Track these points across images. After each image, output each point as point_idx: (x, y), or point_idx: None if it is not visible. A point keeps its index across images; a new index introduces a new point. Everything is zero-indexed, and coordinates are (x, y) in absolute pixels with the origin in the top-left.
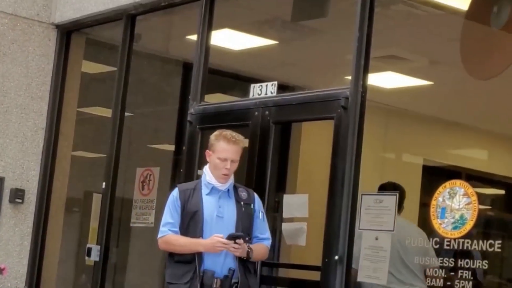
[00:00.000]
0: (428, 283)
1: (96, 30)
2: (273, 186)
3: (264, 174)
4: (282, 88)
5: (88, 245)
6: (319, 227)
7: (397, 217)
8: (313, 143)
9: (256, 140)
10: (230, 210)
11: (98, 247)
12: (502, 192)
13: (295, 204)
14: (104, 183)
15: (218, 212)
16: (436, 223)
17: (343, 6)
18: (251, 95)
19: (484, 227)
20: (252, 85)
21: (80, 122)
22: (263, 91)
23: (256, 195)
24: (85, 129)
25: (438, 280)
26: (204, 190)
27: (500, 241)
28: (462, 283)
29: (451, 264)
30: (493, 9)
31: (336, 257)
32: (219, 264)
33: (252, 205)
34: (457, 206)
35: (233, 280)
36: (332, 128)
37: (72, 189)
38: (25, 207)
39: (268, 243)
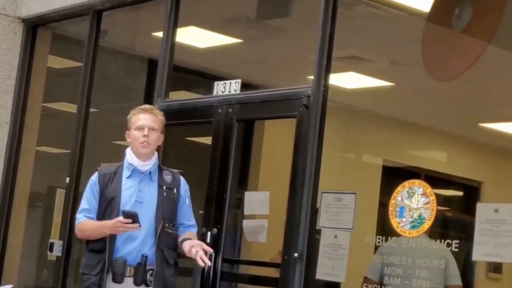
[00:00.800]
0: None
1: (63, 25)
2: (235, 183)
3: (226, 171)
4: (245, 86)
5: (50, 240)
6: (280, 224)
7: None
8: (275, 141)
9: (219, 137)
10: (151, 195)
11: (61, 242)
12: (460, 193)
13: (256, 201)
14: (68, 179)
15: (138, 196)
16: (394, 222)
17: (307, 6)
18: (214, 93)
19: (442, 227)
20: (216, 83)
21: (45, 117)
22: (227, 88)
23: (182, 179)
24: (50, 124)
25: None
26: (125, 173)
27: (457, 241)
28: (420, 281)
29: (409, 263)
30: (455, 11)
31: (296, 254)
32: (134, 252)
33: (176, 189)
34: (415, 205)
35: (148, 267)
36: (294, 126)
37: (36, 184)
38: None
39: (195, 230)
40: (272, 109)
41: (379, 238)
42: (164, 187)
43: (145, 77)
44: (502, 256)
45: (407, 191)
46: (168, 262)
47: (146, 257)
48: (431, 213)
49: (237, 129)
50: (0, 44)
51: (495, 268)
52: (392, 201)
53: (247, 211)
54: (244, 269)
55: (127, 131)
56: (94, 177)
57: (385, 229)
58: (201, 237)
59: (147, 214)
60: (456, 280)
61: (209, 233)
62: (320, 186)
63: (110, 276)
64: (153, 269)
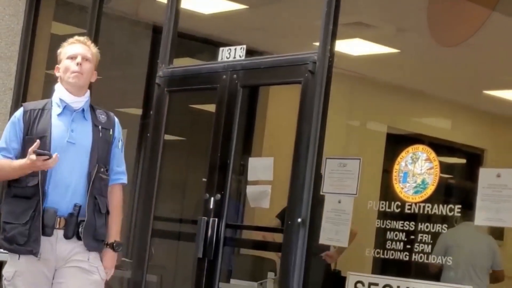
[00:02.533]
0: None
1: None
2: (238, 149)
3: (230, 137)
4: (250, 53)
5: None
6: (284, 190)
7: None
8: (279, 107)
9: (223, 104)
10: (84, 135)
11: None
12: (464, 161)
13: (260, 167)
14: None
15: (70, 137)
16: (398, 187)
17: None
18: (219, 59)
19: (445, 193)
20: (220, 49)
21: (48, 84)
22: (232, 54)
23: (117, 120)
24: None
25: (398, 243)
26: (55, 110)
27: (459, 207)
28: (422, 246)
29: (412, 228)
30: None
31: (299, 220)
32: (65, 201)
33: (111, 131)
34: (419, 170)
35: (80, 219)
36: (299, 92)
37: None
38: None
39: (124, 179)
40: (277, 75)
41: (382, 204)
42: (100, 127)
43: (149, 44)
44: (504, 220)
45: (411, 157)
46: (100, 211)
47: (80, 207)
48: (435, 179)
49: (241, 95)
50: (4, 10)
51: (498, 234)
52: (396, 167)
53: (250, 177)
54: (247, 235)
55: (56, 66)
56: (18, 114)
57: (388, 194)
58: (204, 203)
59: (80, 157)
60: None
61: (212, 198)
62: (324, 152)
63: (39, 228)
64: (83, 220)
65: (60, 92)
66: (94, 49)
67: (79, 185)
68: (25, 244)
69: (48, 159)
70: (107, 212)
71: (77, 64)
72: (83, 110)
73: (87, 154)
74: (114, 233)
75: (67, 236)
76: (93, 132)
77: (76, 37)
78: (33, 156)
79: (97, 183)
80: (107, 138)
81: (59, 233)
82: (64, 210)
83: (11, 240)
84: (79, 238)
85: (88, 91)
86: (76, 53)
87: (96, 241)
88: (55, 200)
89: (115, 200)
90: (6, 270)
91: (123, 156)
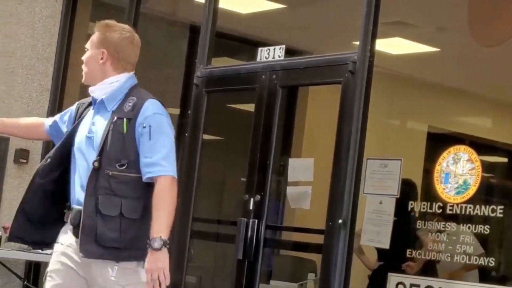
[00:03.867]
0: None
1: None
2: (278, 150)
3: (269, 138)
4: (289, 52)
5: None
6: (324, 191)
7: None
8: (319, 108)
9: (262, 104)
10: (101, 128)
11: None
12: (505, 160)
13: (300, 167)
14: None
15: (89, 131)
16: (439, 188)
17: None
18: (258, 59)
19: (487, 193)
20: (259, 49)
21: (85, 85)
22: (271, 54)
23: (147, 105)
24: None
25: (439, 244)
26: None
27: (502, 207)
28: (464, 247)
29: (453, 228)
30: None
31: (340, 221)
32: (76, 199)
33: (126, 119)
34: (460, 171)
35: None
36: (339, 92)
37: None
38: (30, 167)
39: (154, 171)
40: (317, 75)
41: (423, 204)
42: (115, 118)
43: (187, 44)
44: None
45: (453, 157)
46: (101, 212)
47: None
48: (476, 179)
49: (280, 96)
50: (41, 12)
51: None
52: (437, 167)
53: (291, 177)
54: (287, 236)
55: None
56: (74, 105)
57: (429, 195)
58: (244, 204)
59: (94, 152)
60: None
61: (252, 199)
62: (365, 153)
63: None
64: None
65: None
66: (96, 28)
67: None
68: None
69: None
70: (122, 215)
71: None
72: (102, 100)
73: (97, 148)
74: (154, 230)
75: (76, 235)
76: (106, 125)
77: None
78: None
79: (103, 181)
80: (120, 129)
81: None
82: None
83: None
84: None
85: (124, 76)
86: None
87: (100, 247)
88: (73, 198)
89: (153, 197)
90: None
91: (156, 144)
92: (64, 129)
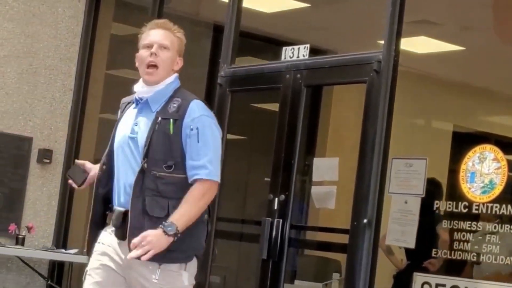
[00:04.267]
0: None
1: None
2: (302, 149)
3: (294, 137)
4: (313, 52)
5: None
6: (349, 190)
7: None
8: (344, 107)
9: (286, 103)
10: (145, 129)
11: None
12: None
13: (325, 167)
14: None
15: (132, 131)
16: (465, 187)
17: None
18: (282, 58)
19: None
20: (284, 48)
21: (108, 85)
22: (295, 54)
23: (192, 106)
24: (113, 91)
25: (465, 244)
26: (134, 105)
27: None
28: (490, 247)
29: (479, 228)
30: None
31: (365, 221)
32: (121, 200)
33: (173, 120)
34: (486, 170)
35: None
36: (364, 92)
37: (100, 151)
38: (53, 167)
39: (202, 174)
40: (341, 75)
41: (449, 204)
42: (160, 118)
43: (210, 44)
44: None
45: (478, 156)
46: (149, 213)
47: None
48: (502, 178)
49: (305, 95)
50: (64, 12)
51: None
52: (463, 166)
53: (315, 177)
54: (311, 236)
55: (136, 54)
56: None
57: (455, 194)
58: (269, 203)
59: (138, 153)
60: None
61: (276, 199)
62: (390, 152)
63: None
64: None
65: (138, 82)
66: (178, 33)
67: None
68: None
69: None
70: (168, 215)
71: (151, 54)
72: (147, 100)
73: (142, 149)
74: (175, 217)
75: (118, 237)
76: (151, 125)
77: (156, 21)
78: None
79: (150, 184)
80: (166, 130)
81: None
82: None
83: None
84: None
85: (172, 77)
86: (152, 41)
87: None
88: (114, 199)
89: (188, 194)
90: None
91: (204, 147)
92: None
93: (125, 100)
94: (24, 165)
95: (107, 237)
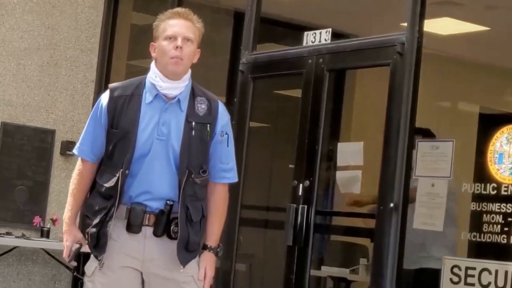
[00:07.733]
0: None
1: None
2: (327, 134)
3: (317, 123)
4: (335, 36)
5: None
6: (374, 175)
7: None
8: (367, 91)
9: (309, 89)
10: (176, 131)
11: None
12: None
13: (349, 152)
14: None
15: (160, 133)
16: (493, 168)
17: None
18: (304, 43)
19: None
20: (305, 33)
21: (130, 75)
22: (317, 38)
23: (221, 109)
24: None
25: (495, 226)
26: (147, 97)
27: None
28: None
29: (509, 210)
30: None
31: (391, 205)
32: (154, 202)
33: (209, 126)
34: None
35: (172, 216)
36: (388, 75)
37: None
38: (76, 159)
39: (231, 177)
40: (364, 58)
41: (477, 186)
42: (193, 123)
43: (231, 31)
44: None
45: (506, 137)
46: (193, 220)
47: (171, 205)
48: None
49: (328, 80)
50: (84, 3)
51: None
52: (490, 148)
53: (340, 162)
54: (337, 221)
55: (151, 43)
56: (104, 100)
57: (482, 176)
58: (293, 190)
59: (170, 158)
60: None
61: (301, 185)
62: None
63: (120, 225)
64: (177, 218)
65: (154, 75)
66: (197, 23)
67: (171, 193)
68: (94, 248)
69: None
70: (203, 217)
71: (177, 47)
72: (178, 100)
73: (177, 156)
74: (216, 237)
75: (156, 234)
76: (184, 129)
77: (177, 9)
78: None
79: (189, 190)
80: (203, 136)
81: (147, 230)
82: (153, 208)
83: (88, 237)
84: (169, 237)
85: (189, 73)
86: (176, 33)
87: (189, 253)
88: (130, 197)
89: (218, 200)
90: (88, 265)
91: (231, 150)
92: (101, 143)
93: (117, 92)
94: (48, 157)
95: (120, 234)
